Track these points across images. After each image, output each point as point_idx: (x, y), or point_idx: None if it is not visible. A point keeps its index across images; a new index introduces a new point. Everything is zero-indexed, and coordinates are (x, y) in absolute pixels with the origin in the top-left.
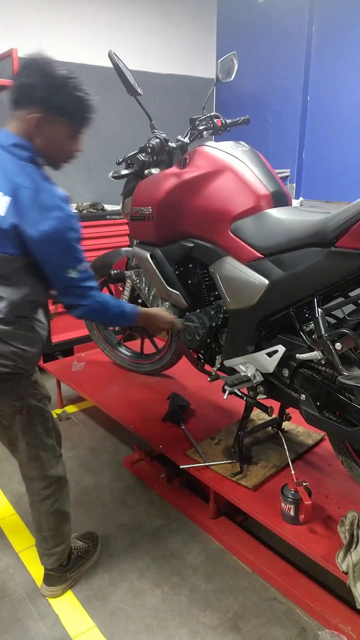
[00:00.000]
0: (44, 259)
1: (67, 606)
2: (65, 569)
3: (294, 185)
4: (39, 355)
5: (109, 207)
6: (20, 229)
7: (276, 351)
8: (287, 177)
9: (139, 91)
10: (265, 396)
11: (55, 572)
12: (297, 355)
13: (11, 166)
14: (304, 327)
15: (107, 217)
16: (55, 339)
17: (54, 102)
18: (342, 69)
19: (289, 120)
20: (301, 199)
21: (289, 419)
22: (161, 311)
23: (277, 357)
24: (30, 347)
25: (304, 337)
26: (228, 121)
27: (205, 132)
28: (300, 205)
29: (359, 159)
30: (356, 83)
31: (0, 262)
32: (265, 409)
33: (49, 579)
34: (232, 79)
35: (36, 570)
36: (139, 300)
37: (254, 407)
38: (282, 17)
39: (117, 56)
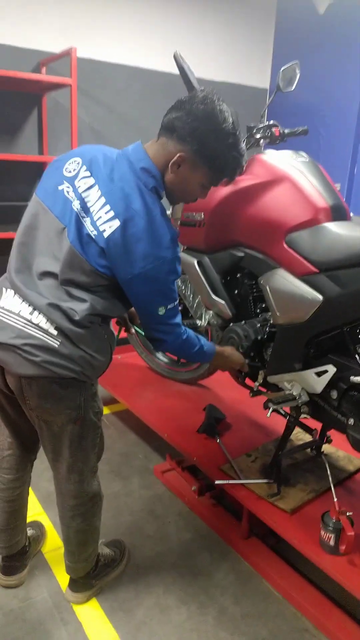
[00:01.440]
0: (137, 294)
1: (91, 615)
2: (91, 575)
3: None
4: (106, 365)
5: None
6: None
7: (326, 371)
8: (338, 191)
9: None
10: (308, 416)
11: (81, 579)
12: (352, 377)
13: (132, 190)
14: (358, 348)
15: None
16: None
17: (207, 151)
18: None
19: (342, 134)
20: (352, 214)
21: (329, 441)
22: (233, 352)
23: (326, 377)
24: (100, 356)
25: (358, 358)
26: (286, 131)
27: (262, 141)
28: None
29: None
30: None
31: (91, 274)
32: (309, 430)
33: (74, 585)
34: (293, 88)
35: (62, 573)
36: (180, 307)
37: (295, 427)
38: (342, 30)
39: (182, 58)
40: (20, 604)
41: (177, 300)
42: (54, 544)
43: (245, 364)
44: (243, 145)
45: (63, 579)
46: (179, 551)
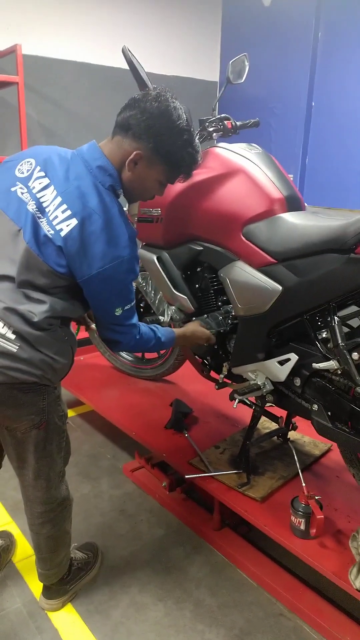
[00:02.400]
0: (94, 293)
1: (67, 620)
2: (65, 581)
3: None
4: (68, 368)
5: None
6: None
7: (288, 359)
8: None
9: (152, 88)
10: (273, 405)
11: (55, 585)
12: (313, 364)
13: (89, 188)
14: (318, 335)
15: None
16: None
17: (163, 149)
18: (347, 74)
19: (292, 125)
20: (306, 204)
21: (295, 428)
22: (196, 327)
23: (289, 365)
24: (62, 358)
25: (319, 345)
26: (238, 123)
27: (214, 134)
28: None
29: None
30: None
31: (49, 275)
32: (275, 418)
33: (47, 592)
34: (243, 80)
35: (35, 582)
36: (142, 304)
37: (261, 416)
38: (288, 21)
39: (131, 52)
40: None
41: (134, 302)
42: (24, 552)
43: (211, 337)
44: (197, 141)
45: (36, 587)
46: (153, 548)
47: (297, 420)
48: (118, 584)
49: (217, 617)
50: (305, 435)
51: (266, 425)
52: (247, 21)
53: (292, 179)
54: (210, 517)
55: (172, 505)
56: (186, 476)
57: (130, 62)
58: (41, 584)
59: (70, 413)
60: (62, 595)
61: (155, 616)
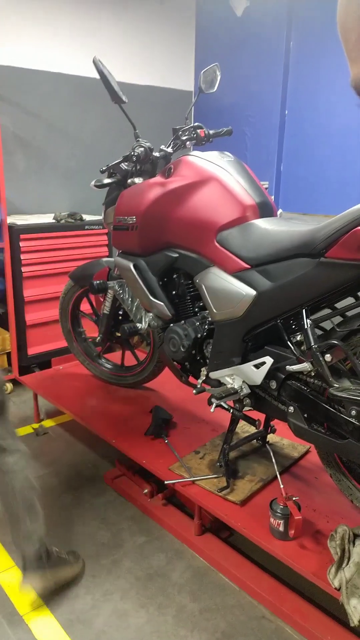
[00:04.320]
0: None
1: (48, 631)
2: (45, 565)
3: (272, 197)
4: None
5: (87, 217)
6: None
7: (264, 363)
8: (266, 189)
9: (124, 99)
10: (251, 408)
11: (33, 562)
12: (287, 367)
13: None
14: (292, 339)
15: (86, 227)
16: (32, 351)
17: None
18: (319, 83)
19: (267, 133)
20: (280, 210)
21: (273, 431)
22: None
23: (264, 368)
24: None
25: (292, 348)
26: (211, 132)
27: (188, 142)
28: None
29: (337, 171)
30: (333, 96)
31: None
32: (252, 422)
33: (26, 567)
34: (214, 90)
35: (16, 594)
36: (120, 312)
37: (239, 420)
38: (261, 31)
39: (102, 63)
40: None
41: None
42: (4, 564)
43: None
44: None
45: (17, 598)
46: (134, 556)
47: (276, 423)
48: (100, 593)
49: (199, 621)
50: (284, 438)
51: (245, 429)
52: (221, 31)
53: (267, 185)
54: (191, 522)
55: (153, 512)
56: (166, 482)
57: (101, 73)
58: (21, 597)
59: (50, 423)
60: (42, 572)
61: (137, 623)
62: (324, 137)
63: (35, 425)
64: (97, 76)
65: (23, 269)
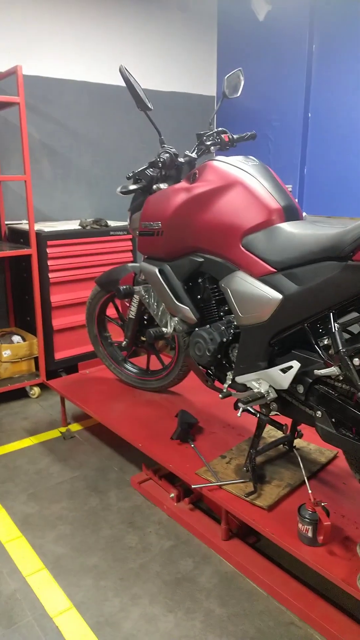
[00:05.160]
0: None
1: (77, 633)
2: None
3: (296, 200)
4: None
5: (111, 223)
6: None
7: (291, 367)
8: (290, 192)
9: (149, 106)
10: (278, 413)
11: None
12: (315, 371)
13: None
14: (319, 342)
15: (111, 233)
16: (59, 355)
17: None
18: (341, 85)
19: (290, 137)
20: (305, 214)
21: (300, 436)
22: None
23: (292, 373)
24: None
25: (320, 352)
26: (235, 136)
27: (212, 148)
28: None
29: None
30: (356, 99)
31: None
32: (280, 426)
33: None
34: (238, 94)
35: (45, 595)
36: (145, 316)
37: (266, 425)
38: (283, 35)
39: (128, 71)
40: (4, 630)
41: None
42: (34, 567)
43: None
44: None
45: (46, 599)
46: (162, 560)
47: (303, 427)
48: (128, 596)
49: (228, 627)
50: (311, 443)
51: (272, 433)
52: (243, 36)
53: (291, 189)
54: (218, 527)
55: (180, 517)
56: (193, 486)
57: (127, 81)
58: (50, 598)
59: (77, 427)
60: None
61: (165, 627)
62: (347, 140)
63: (63, 429)
64: (120, 83)
65: (50, 275)
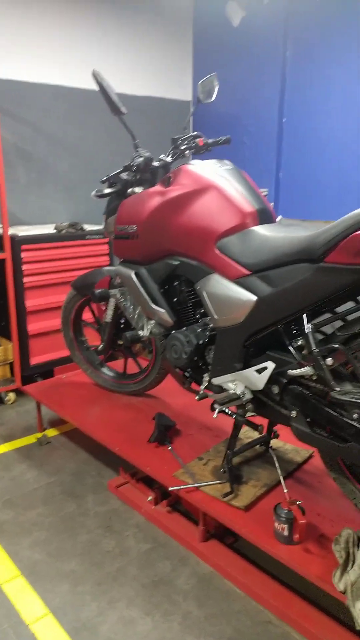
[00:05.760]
0: None
1: (53, 638)
2: None
3: (272, 204)
4: None
5: (88, 227)
6: None
7: (265, 368)
8: (265, 196)
9: (123, 110)
10: (254, 414)
11: None
12: (289, 371)
13: None
14: (293, 343)
15: (87, 236)
16: (34, 360)
17: None
18: (316, 91)
19: (265, 141)
20: (280, 217)
21: (276, 436)
22: None
23: (266, 373)
24: None
25: (294, 353)
26: (209, 141)
27: (187, 152)
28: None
29: (335, 178)
30: (329, 104)
31: None
32: (255, 427)
33: None
34: (212, 99)
35: (21, 602)
36: (122, 320)
37: (243, 425)
38: (257, 41)
39: (101, 75)
40: None
41: None
42: (10, 573)
43: None
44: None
45: (21, 607)
46: (140, 563)
47: (279, 427)
48: (105, 600)
49: (205, 627)
50: (287, 443)
51: (248, 434)
52: (219, 41)
53: (267, 193)
54: (196, 528)
55: (158, 519)
56: (170, 488)
57: (100, 85)
58: (25, 606)
59: (53, 432)
60: None
61: (143, 630)
62: (322, 145)
63: (39, 435)
64: (96, 88)
65: (25, 279)
